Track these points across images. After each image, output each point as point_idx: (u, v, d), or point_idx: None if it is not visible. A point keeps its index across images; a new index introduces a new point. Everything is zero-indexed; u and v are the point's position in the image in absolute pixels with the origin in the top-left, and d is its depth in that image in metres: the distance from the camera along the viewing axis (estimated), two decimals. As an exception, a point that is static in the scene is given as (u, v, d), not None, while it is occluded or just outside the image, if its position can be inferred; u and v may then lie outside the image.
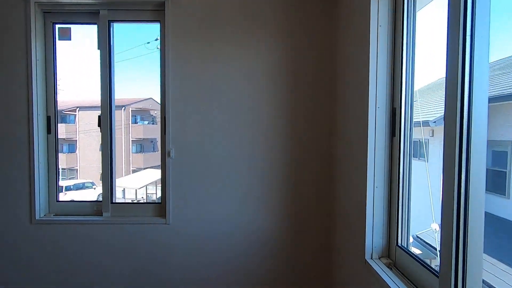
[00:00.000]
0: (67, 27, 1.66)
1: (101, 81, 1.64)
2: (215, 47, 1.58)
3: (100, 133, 1.66)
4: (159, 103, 1.66)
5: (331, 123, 1.60)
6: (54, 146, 1.67)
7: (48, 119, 1.65)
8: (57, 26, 1.65)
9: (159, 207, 1.67)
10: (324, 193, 1.64)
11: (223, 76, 1.59)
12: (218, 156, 1.61)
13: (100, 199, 1.68)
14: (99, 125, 1.65)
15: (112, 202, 1.68)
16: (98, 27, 1.63)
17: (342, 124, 1.48)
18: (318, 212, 1.64)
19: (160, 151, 1.69)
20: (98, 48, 1.62)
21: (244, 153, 1.62)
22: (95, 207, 1.68)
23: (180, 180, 1.61)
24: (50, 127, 1.65)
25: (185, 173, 1.61)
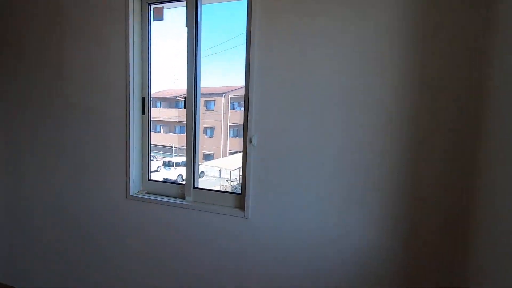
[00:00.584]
0: (160, 7, 1.65)
1: (187, 58, 1.58)
2: (311, 25, 1.28)
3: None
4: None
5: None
6: (147, 127, 1.72)
7: (143, 100, 1.70)
8: (152, 6, 1.66)
9: (239, 198, 1.53)
10: (458, 204, 1.15)
11: (321, 59, 1.28)
12: (309, 148, 1.33)
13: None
14: (185, 106, 1.60)
15: (194, 187, 1.63)
16: (186, 4, 1.55)
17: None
18: (447, 231, 1.17)
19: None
20: (186, 25, 1.56)
21: (346, 146, 1.28)
22: (179, 190, 1.68)
23: (262, 171, 1.41)
24: (144, 108, 1.71)
25: (267, 164, 1.40)
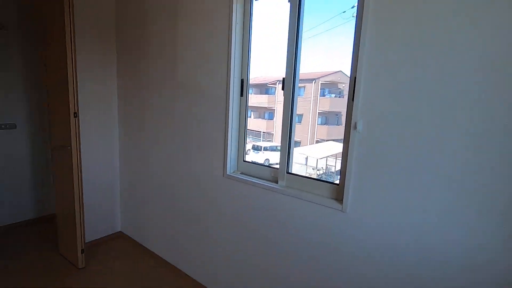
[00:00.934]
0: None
1: (288, 38, 1.49)
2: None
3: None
4: (347, 75, 1.33)
5: None
6: (245, 108, 1.75)
7: (242, 82, 1.72)
8: (253, -15, 1.63)
9: (336, 189, 1.40)
10: None
11: (459, 42, 1.00)
12: (432, 143, 1.08)
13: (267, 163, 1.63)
14: (282, 88, 1.54)
15: (287, 172, 1.58)
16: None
17: None
18: None
19: (344, 124, 1.37)
20: (289, 1, 1.47)
21: (484, 149, 0.99)
22: (272, 173, 1.65)
23: (366, 162, 1.24)
24: (243, 90, 1.73)
25: (373, 153, 1.22)
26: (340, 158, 1.39)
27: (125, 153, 2.54)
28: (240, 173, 1.77)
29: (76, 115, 1.98)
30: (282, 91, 1.54)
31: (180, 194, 2.09)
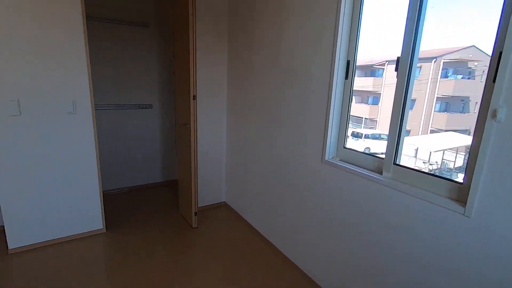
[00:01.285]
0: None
1: (409, 7, 1.30)
2: None
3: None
4: (483, 51, 1.06)
5: None
6: (349, 92, 1.65)
7: (347, 63, 1.61)
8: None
9: (459, 189, 1.18)
10: None
11: None
12: None
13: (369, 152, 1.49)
14: (396, 69, 1.37)
15: (395, 163, 1.43)
16: None
17: None
18: None
19: (474, 112, 1.12)
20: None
21: None
22: (376, 163, 1.53)
23: (506, 158, 0.99)
24: (348, 72, 1.62)
25: (520, 149, 0.96)
26: (464, 153, 1.16)
27: (231, 132, 2.81)
28: (339, 160, 1.71)
29: (195, 97, 2.30)
30: (395, 72, 1.37)
31: (276, 174, 2.19)
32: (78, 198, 2.30)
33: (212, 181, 2.96)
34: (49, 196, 2.18)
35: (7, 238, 2.10)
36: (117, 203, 3.04)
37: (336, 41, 1.56)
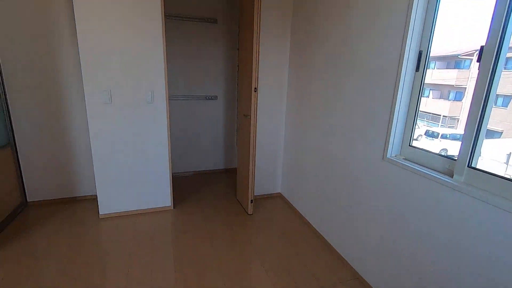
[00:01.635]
0: None
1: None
2: None
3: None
4: None
5: None
6: (419, 86, 1.51)
7: (419, 54, 1.47)
8: None
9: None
10: None
11: None
12: None
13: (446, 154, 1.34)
14: (478, 59, 1.20)
15: (469, 166, 1.27)
16: None
17: None
18: None
19: None
20: None
21: None
22: (446, 165, 1.38)
23: None
24: (419, 64, 1.48)
25: None
26: None
27: (290, 125, 2.83)
28: (403, 159, 1.59)
29: (256, 90, 2.38)
30: (477, 63, 1.21)
31: (333, 169, 2.14)
32: (152, 177, 2.63)
33: (268, 172, 3.05)
34: (131, 173, 2.55)
35: (98, 205, 2.54)
36: (183, 185, 3.37)
37: (408, 29, 1.44)
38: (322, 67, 2.22)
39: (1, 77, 2.40)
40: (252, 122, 2.45)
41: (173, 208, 2.80)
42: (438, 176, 1.35)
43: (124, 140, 2.46)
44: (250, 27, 2.32)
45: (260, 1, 2.21)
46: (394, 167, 1.59)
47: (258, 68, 2.34)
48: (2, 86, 2.41)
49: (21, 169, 2.64)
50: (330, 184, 2.21)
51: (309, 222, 2.56)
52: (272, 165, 3.04)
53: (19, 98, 2.49)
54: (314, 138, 2.40)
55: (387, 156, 1.62)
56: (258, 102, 2.50)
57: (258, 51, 2.31)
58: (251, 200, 2.68)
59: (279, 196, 3.14)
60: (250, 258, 2.10)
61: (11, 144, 2.52)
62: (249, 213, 2.72)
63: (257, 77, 2.36)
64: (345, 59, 1.94)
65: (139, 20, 2.26)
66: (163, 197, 2.72)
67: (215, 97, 3.56)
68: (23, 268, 1.91)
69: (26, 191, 2.70)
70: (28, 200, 2.74)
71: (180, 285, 1.81)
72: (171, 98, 3.35)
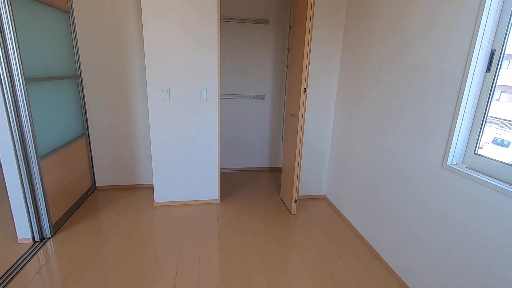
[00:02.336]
0: None
1: None
2: None
3: None
4: None
5: None
6: (489, 88, 1.37)
7: (491, 54, 1.34)
8: None
9: None
10: None
11: None
12: None
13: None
14: None
15: (549, 179, 1.13)
16: None
17: None
18: None
19: None
20: None
21: None
22: (520, 176, 1.24)
23: None
24: (491, 65, 1.35)
25: None
26: None
27: (338, 126, 2.77)
28: (466, 167, 1.47)
29: (305, 90, 2.39)
30: None
31: (384, 174, 2.05)
32: (202, 171, 2.79)
33: (314, 173, 3.02)
34: (184, 167, 2.74)
35: (154, 194, 2.78)
36: (228, 181, 3.50)
37: (478, 26, 1.32)
38: (376, 66, 2.14)
39: (81, 79, 2.76)
40: (299, 122, 2.45)
41: (220, 201, 2.93)
42: (504, 187, 1.22)
43: (179, 135, 2.65)
44: (302, 27, 2.33)
45: (314, 0, 2.20)
46: (455, 176, 1.47)
47: (308, 68, 2.34)
48: (81, 86, 2.77)
49: (92, 157, 3.00)
50: (379, 189, 2.12)
51: (354, 227, 2.48)
52: (318, 166, 3.01)
53: (93, 96, 2.84)
54: (364, 141, 2.32)
55: (447, 163, 1.51)
56: (306, 102, 2.50)
57: (309, 51, 2.30)
58: (295, 200, 2.69)
59: (324, 198, 3.10)
60: (292, 257, 2.12)
61: (86, 134, 2.88)
62: (292, 212, 2.73)
63: (307, 77, 2.36)
64: (401, 58, 1.84)
65: (196, 24, 2.41)
66: (211, 190, 2.87)
67: (263, 97, 3.63)
68: (91, 244, 2.18)
69: (95, 176, 3.07)
70: (96, 184, 3.11)
71: (225, 275, 1.91)
72: (221, 97, 3.51)
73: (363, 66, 2.31)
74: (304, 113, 2.44)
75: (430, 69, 1.61)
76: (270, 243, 2.28)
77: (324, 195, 3.11)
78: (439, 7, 1.55)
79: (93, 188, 3.07)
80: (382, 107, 2.07)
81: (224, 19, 3.26)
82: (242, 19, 3.31)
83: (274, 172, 3.82)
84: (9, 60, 1.86)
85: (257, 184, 3.44)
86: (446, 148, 1.52)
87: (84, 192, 2.85)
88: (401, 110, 1.86)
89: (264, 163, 3.90)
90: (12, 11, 1.81)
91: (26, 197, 2.07)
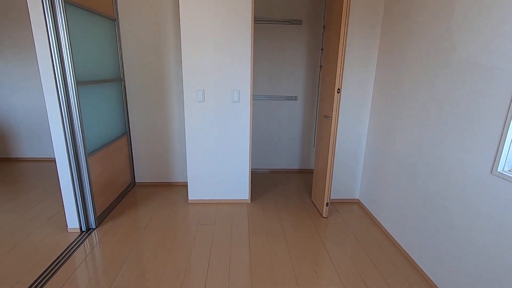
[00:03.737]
0: None
1: None
2: None
3: None
4: None
5: None
6: (550, 87, 1.24)
7: (554, 49, 1.21)
8: None
9: None
10: None
11: None
12: None
13: None
14: None
15: None
16: None
17: None
18: None
19: None
20: None
21: None
22: None
23: None
24: (553, 61, 1.21)
25: None
26: None
27: (374, 129, 2.67)
28: (521, 174, 1.33)
29: (339, 91, 2.33)
30: None
31: (424, 178, 1.93)
32: (234, 171, 2.84)
33: (347, 176, 2.93)
34: (216, 166, 2.82)
35: (188, 192, 2.89)
36: (259, 181, 3.52)
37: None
38: (417, 66, 2.02)
39: (124, 81, 2.96)
40: (333, 123, 2.40)
41: (250, 201, 2.96)
42: None
43: (212, 135, 2.73)
44: (337, 26, 2.28)
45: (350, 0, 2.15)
46: (507, 184, 1.34)
47: (343, 68, 2.28)
48: (124, 88, 2.97)
49: (133, 155, 3.20)
50: (418, 195, 2.00)
51: (389, 233, 2.37)
52: (352, 169, 2.91)
53: (134, 97, 3.03)
54: (401, 144, 2.21)
55: (498, 169, 1.38)
56: (340, 103, 2.44)
57: (344, 51, 2.25)
58: (327, 203, 2.63)
59: (357, 202, 2.99)
60: (323, 262, 2.08)
61: (127, 133, 3.08)
62: (323, 215, 2.68)
63: (342, 78, 2.30)
64: (446, 56, 1.72)
65: (231, 26, 2.47)
66: (242, 190, 2.91)
67: (295, 98, 3.60)
68: (130, 237, 2.32)
69: (135, 173, 3.27)
70: (136, 181, 3.30)
71: (255, 276, 1.92)
72: (254, 97, 3.54)
73: (403, 66, 2.20)
74: (338, 114, 2.39)
75: (479, 66, 1.49)
76: (301, 246, 2.25)
77: (357, 199, 3.01)
78: None
79: (133, 184, 3.27)
80: (424, 109, 1.96)
81: (257, 20, 3.29)
82: (275, 20, 3.32)
83: (305, 174, 3.78)
84: (64, 66, 2.05)
85: (288, 185, 3.42)
86: (496, 153, 1.39)
87: (125, 187, 3.05)
88: (446, 112, 1.74)
89: (295, 165, 3.86)
90: (67, 21, 2.00)
91: (75, 191, 2.27)
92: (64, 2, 1.97)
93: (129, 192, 3.13)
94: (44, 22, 1.93)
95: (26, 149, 4.03)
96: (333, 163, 2.50)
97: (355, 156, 2.87)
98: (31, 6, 1.90)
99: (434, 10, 1.84)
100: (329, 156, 2.48)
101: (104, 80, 2.56)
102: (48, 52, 1.98)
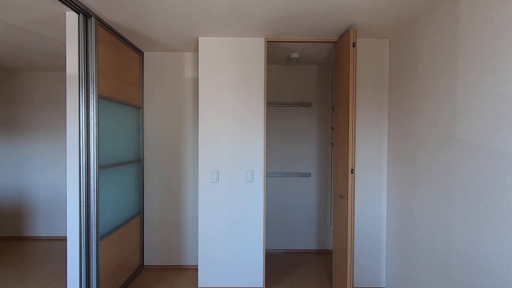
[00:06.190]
0: None
1: None
2: None
3: None
4: None
5: None
6: None
7: None
8: None
9: None
10: None
11: None
12: None
13: None
14: None
15: None
16: None
17: None
18: None
19: None
20: None
21: None
22: None
23: None
24: None
25: None
26: None
27: (394, 210, 2.55)
28: None
29: (352, 171, 2.33)
30: None
31: (454, 266, 1.74)
32: (247, 256, 2.68)
33: (369, 261, 2.69)
34: (229, 251, 2.68)
35: (198, 277, 2.70)
36: (274, 264, 3.27)
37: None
38: (430, 145, 2.04)
39: (142, 162, 3.10)
40: (349, 205, 2.33)
41: (265, 289, 2.71)
42: None
43: (225, 216, 2.68)
44: (345, 108, 2.41)
45: (355, 81, 2.32)
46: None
47: (355, 148, 2.33)
48: (142, 168, 3.09)
49: (144, 235, 3.12)
50: (458, 284, 1.78)
51: (428, 336, 2.03)
52: (374, 253, 2.69)
53: (150, 177, 3.12)
54: (426, 227, 2.07)
55: (541, 266, 1.24)
56: (355, 182, 2.40)
57: (354, 131, 2.32)
58: (350, 294, 2.36)
59: (384, 292, 2.67)
60: None
61: (141, 213, 3.07)
62: (348, 309, 2.37)
63: (355, 157, 2.33)
64: (453, 136, 1.74)
65: (244, 111, 2.66)
66: (255, 276, 2.69)
67: (309, 174, 3.61)
68: (133, 333, 2.09)
69: (144, 255, 3.13)
70: (144, 264, 3.14)
71: None
72: (267, 175, 3.57)
73: (413, 145, 2.23)
74: (354, 195, 2.33)
75: (491, 148, 1.49)
76: None
77: (384, 287, 2.69)
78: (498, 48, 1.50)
79: (141, 267, 3.10)
80: (442, 186, 1.89)
81: (270, 104, 3.55)
82: (286, 104, 3.57)
83: (323, 255, 3.50)
84: (89, 151, 2.19)
85: (306, 269, 3.15)
86: (534, 246, 1.27)
87: (132, 272, 2.89)
88: (468, 189, 1.67)
89: (312, 245, 3.63)
90: (98, 112, 2.22)
91: (81, 279, 2.16)
92: (98, 96, 2.22)
93: (137, 276, 2.95)
94: (78, 112, 2.15)
95: (41, 228, 4.03)
96: (353, 248, 2.33)
97: (376, 239, 2.69)
98: (69, 97, 2.14)
99: (439, 89, 1.95)
100: (348, 240, 2.33)
101: (125, 163, 2.69)
102: (77, 138, 2.15)
